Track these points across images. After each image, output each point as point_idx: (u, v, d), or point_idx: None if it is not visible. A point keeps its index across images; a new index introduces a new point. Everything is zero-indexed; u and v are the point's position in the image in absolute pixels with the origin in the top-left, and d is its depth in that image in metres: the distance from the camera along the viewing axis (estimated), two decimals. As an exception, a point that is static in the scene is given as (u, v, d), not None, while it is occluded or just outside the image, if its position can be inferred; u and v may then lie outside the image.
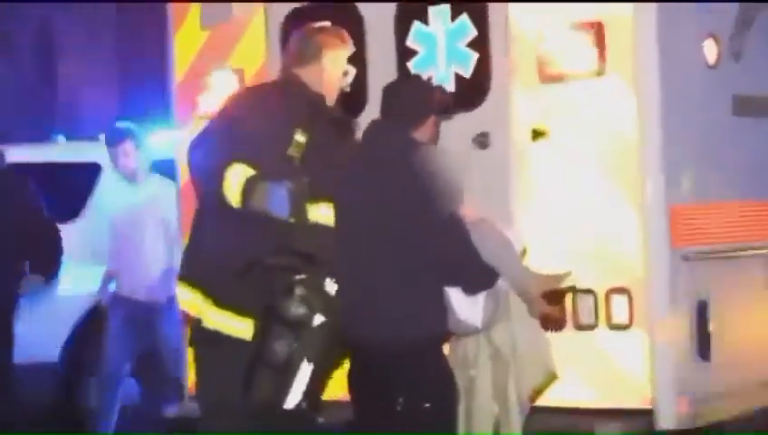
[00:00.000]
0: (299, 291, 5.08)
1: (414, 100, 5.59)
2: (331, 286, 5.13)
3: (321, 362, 5.13)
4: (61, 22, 15.11)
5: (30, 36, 15.62)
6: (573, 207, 6.57)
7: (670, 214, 6.44)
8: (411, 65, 6.94)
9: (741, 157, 6.93)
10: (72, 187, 9.95)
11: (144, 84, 13.48)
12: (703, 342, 6.54)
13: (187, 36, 7.78)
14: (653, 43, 6.40)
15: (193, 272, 5.51)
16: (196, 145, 5.54)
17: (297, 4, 7.28)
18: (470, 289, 5.42)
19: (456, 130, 6.54)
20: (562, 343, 6.44)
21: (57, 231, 7.87)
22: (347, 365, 5.68)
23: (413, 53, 6.94)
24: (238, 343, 5.32)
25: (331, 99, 5.72)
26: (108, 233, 8.56)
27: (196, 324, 5.59)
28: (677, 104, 6.51)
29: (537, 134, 6.64)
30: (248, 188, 5.19)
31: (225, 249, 5.28)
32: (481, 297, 5.45)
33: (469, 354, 5.68)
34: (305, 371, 5.07)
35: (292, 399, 5.06)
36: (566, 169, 6.60)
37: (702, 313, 6.55)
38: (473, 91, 6.82)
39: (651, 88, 6.41)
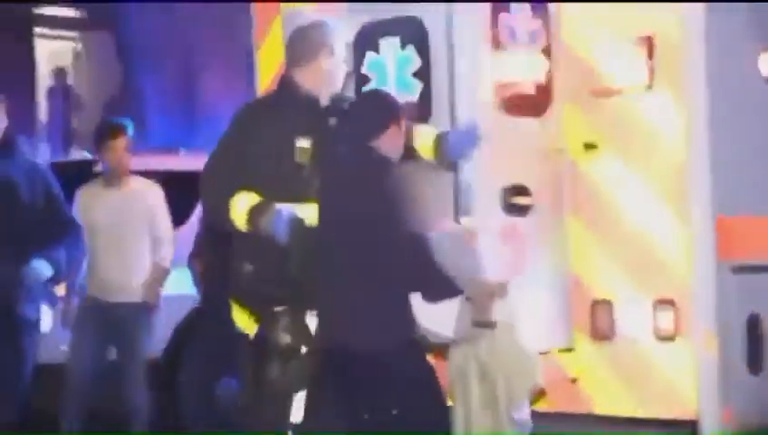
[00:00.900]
0: (283, 322, 5.38)
1: (371, 111, 5.60)
2: (312, 319, 5.40)
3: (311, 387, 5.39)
4: (200, 40, 15.84)
5: (173, 54, 16.42)
6: (622, 218, 6.67)
7: (718, 226, 6.47)
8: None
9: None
10: (184, 194, 10.25)
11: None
12: (754, 355, 6.56)
13: (269, 52, 7.92)
14: (701, 57, 6.47)
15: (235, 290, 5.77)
16: (204, 178, 5.74)
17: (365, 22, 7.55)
18: (430, 298, 5.43)
19: (517, 139, 6.73)
20: (608, 353, 6.67)
21: (78, 228, 7.30)
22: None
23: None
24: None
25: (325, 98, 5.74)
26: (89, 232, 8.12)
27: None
28: (727, 117, 6.57)
29: (588, 147, 6.75)
30: (252, 215, 5.40)
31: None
32: (455, 308, 5.56)
33: (462, 366, 5.75)
34: (298, 397, 5.37)
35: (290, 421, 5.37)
36: (616, 182, 6.69)
37: (753, 326, 6.58)
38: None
39: (699, 101, 6.49)
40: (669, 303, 6.53)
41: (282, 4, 7.76)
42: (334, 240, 5.38)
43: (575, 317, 6.82)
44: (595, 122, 6.78)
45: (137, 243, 8.26)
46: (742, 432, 6.51)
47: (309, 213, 5.43)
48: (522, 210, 6.60)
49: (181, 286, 9.27)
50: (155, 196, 8.36)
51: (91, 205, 8.23)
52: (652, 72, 6.59)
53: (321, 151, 5.50)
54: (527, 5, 6.82)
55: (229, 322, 5.68)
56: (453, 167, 6.36)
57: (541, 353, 6.46)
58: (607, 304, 6.75)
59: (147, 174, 8.77)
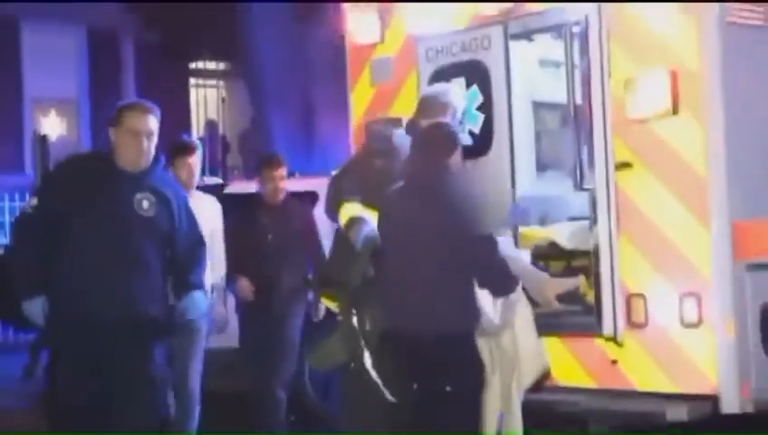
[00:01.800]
0: (337, 334, 6.33)
1: (445, 137, 6.20)
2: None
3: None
4: (315, 82, 17.10)
5: (293, 95, 17.70)
6: (653, 224, 7.27)
7: (734, 230, 7.07)
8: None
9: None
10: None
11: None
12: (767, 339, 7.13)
13: (361, 92, 8.97)
14: (718, 86, 7.12)
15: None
16: (329, 186, 6.73)
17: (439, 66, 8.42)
18: (498, 293, 6.07)
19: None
20: (642, 339, 7.31)
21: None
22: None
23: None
24: None
25: None
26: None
27: None
28: (741, 136, 7.15)
29: (624, 166, 7.40)
30: (349, 224, 6.36)
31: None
32: (499, 302, 6.11)
33: (483, 355, 6.13)
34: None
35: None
36: (647, 194, 7.30)
37: (767, 314, 7.15)
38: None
39: (717, 124, 7.10)
40: (694, 295, 7.11)
41: (372, 53, 8.78)
42: (416, 241, 5.93)
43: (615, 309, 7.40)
44: (629, 144, 7.39)
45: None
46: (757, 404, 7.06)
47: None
48: None
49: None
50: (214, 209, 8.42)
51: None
52: (677, 100, 7.16)
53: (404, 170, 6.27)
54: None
55: None
56: None
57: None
58: (641, 297, 7.33)
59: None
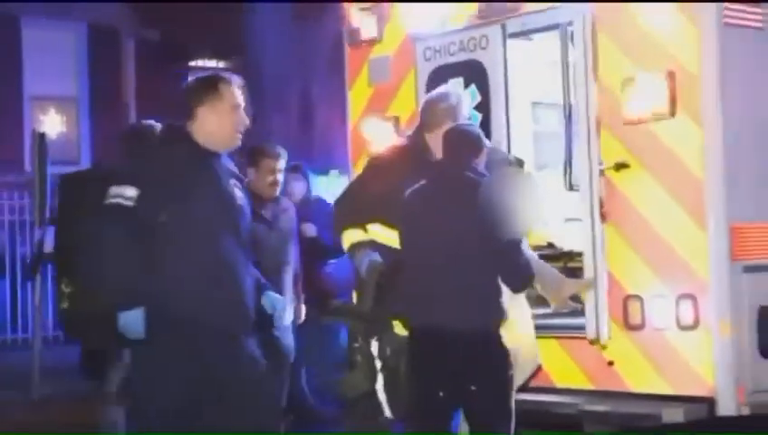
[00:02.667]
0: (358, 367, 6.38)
1: (473, 139, 6.32)
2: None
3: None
4: (313, 81, 17.12)
5: (293, 94, 17.71)
6: (650, 225, 7.23)
7: (731, 232, 7.04)
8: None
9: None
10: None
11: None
12: (763, 341, 7.09)
13: (359, 91, 8.96)
14: (715, 89, 7.08)
15: None
16: (334, 206, 6.84)
17: (437, 65, 8.40)
18: (518, 290, 6.17)
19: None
20: (639, 340, 7.27)
21: None
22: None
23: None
24: None
25: None
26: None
27: None
28: (739, 139, 7.13)
29: (621, 166, 7.36)
30: (351, 250, 6.48)
31: None
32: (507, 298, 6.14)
33: None
34: None
35: None
36: (644, 195, 7.27)
37: (763, 316, 7.11)
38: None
39: (714, 126, 7.06)
40: (690, 297, 7.08)
41: (370, 52, 8.78)
42: (443, 241, 5.98)
43: (611, 310, 7.37)
44: (627, 145, 7.36)
45: None
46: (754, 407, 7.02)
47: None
48: None
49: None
50: None
51: None
52: (674, 101, 7.14)
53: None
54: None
55: None
56: None
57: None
58: (637, 298, 7.31)
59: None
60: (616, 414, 7.29)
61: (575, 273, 7.79)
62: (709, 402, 7.07)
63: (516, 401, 6.17)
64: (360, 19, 8.88)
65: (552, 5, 7.66)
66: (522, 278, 6.13)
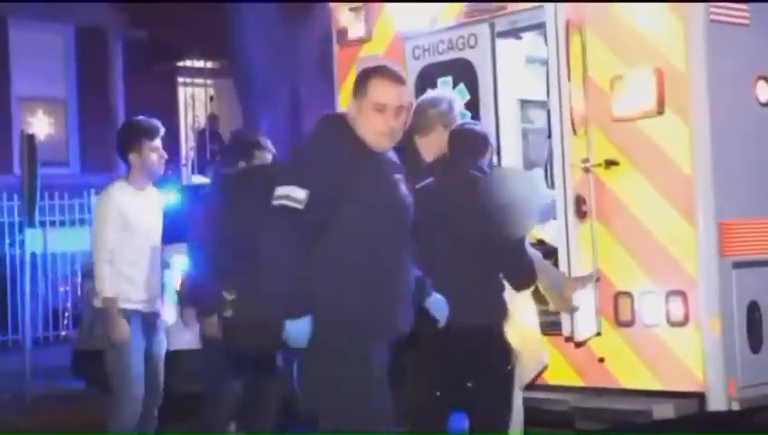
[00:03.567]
0: None
1: (479, 139, 6.36)
2: None
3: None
4: (302, 80, 17.20)
5: (281, 94, 17.78)
6: (639, 222, 7.26)
7: (720, 228, 7.08)
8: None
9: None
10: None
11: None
12: (753, 336, 7.16)
13: (348, 90, 8.96)
14: (703, 86, 7.11)
15: None
16: None
17: (425, 64, 8.37)
18: (521, 288, 6.21)
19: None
20: (629, 337, 7.30)
21: None
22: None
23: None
24: None
25: None
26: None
27: None
28: (726, 135, 7.17)
29: (610, 164, 7.38)
30: None
31: None
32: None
33: None
34: None
35: None
36: (633, 192, 7.29)
37: (752, 311, 7.18)
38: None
39: (702, 124, 7.10)
40: (680, 293, 7.12)
41: (359, 51, 8.78)
42: (449, 240, 6.00)
43: (602, 307, 7.37)
44: (616, 142, 7.38)
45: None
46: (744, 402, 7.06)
47: None
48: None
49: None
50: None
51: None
52: (662, 98, 7.16)
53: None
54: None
55: None
56: None
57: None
58: (627, 295, 7.33)
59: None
60: (607, 411, 7.33)
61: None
62: (700, 398, 7.10)
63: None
64: (348, 19, 8.87)
65: (537, 5, 7.67)
66: (525, 277, 6.20)
